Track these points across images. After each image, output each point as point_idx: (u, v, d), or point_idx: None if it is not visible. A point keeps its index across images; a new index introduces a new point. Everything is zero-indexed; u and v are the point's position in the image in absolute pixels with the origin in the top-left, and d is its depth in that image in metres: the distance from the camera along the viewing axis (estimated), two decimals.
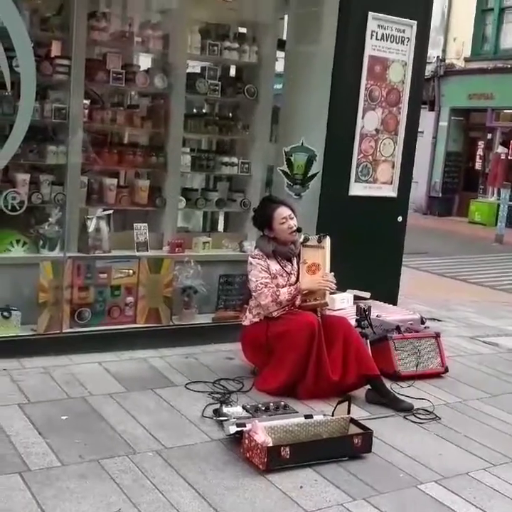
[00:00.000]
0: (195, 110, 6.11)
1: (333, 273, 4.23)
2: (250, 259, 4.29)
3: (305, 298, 4.22)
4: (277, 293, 4.16)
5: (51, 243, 4.64)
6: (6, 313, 4.38)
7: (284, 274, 4.29)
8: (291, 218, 4.28)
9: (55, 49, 5.08)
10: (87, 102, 5.04)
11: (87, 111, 4.98)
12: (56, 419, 3.50)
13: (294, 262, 4.37)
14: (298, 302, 4.23)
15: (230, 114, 5.98)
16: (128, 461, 3.14)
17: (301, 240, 4.37)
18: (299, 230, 4.31)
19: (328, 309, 4.35)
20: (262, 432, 3.22)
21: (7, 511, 2.65)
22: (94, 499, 2.79)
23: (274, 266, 4.28)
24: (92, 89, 5.13)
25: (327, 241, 4.30)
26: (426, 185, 19.30)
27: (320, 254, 4.28)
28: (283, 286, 4.22)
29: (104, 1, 5.37)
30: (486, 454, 3.61)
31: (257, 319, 4.26)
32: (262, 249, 4.30)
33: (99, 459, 3.12)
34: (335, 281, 4.22)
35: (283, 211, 4.28)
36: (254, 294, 4.22)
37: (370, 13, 5.21)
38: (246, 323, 4.32)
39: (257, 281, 4.19)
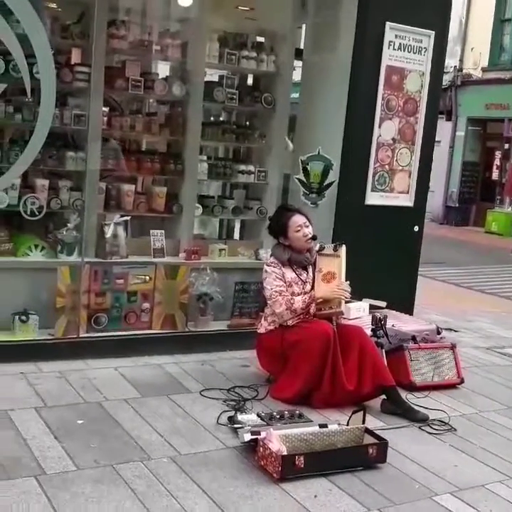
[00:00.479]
0: (212, 118, 6.14)
1: (348, 282, 4.22)
2: (265, 267, 4.30)
3: (320, 306, 4.21)
4: (292, 301, 4.16)
5: (69, 248, 4.67)
6: (23, 318, 4.42)
7: (299, 283, 4.29)
8: (306, 226, 4.29)
9: (75, 56, 5.14)
10: (106, 109, 5.09)
11: (105, 118, 5.03)
12: (72, 424, 3.52)
13: (310, 270, 4.37)
14: (313, 310, 4.23)
15: (247, 123, 6.01)
16: (142, 466, 3.15)
17: (316, 248, 4.37)
18: (314, 237, 4.31)
19: (344, 318, 4.34)
20: (277, 440, 3.22)
21: None
22: (108, 504, 2.80)
23: (290, 274, 4.28)
24: (111, 96, 5.17)
25: (343, 250, 4.30)
26: (443, 195, 19.24)
27: (336, 263, 4.28)
28: (298, 294, 4.22)
29: (124, 9, 5.42)
30: (502, 466, 3.58)
31: (272, 327, 4.26)
32: (278, 257, 4.30)
33: (114, 464, 3.13)
34: (350, 290, 4.21)
35: (298, 219, 4.29)
36: (269, 302, 4.22)
37: (387, 23, 5.21)
38: (261, 330, 4.33)
39: (272, 289, 4.19)
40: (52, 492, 2.84)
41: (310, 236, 4.29)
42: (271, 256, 4.39)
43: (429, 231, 7.01)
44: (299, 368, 4.05)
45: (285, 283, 4.23)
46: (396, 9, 5.24)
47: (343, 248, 4.31)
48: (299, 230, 4.26)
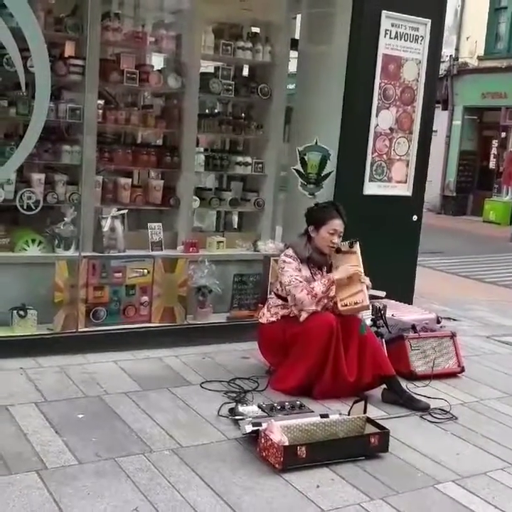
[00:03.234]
0: (208, 110, 6.11)
1: (368, 277, 4.17)
2: (283, 257, 4.23)
3: (345, 302, 4.13)
4: (311, 286, 4.10)
5: (66, 242, 4.66)
6: (22, 313, 4.41)
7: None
8: (339, 236, 4.21)
9: (69, 49, 5.11)
10: (101, 102, 5.06)
11: (101, 111, 5.00)
12: (72, 418, 3.51)
13: (324, 270, 4.30)
14: (340, 308, 4.13)
15: (244, 114, 5.98)
16: (144, 459, 3.14)
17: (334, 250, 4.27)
18: (337, 250, 4.22)
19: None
20: (278, 431, 3.21)
21: (25, 509, 2.66)
22: (111, 498, 2.79)
23: (305, 271, 4.22)
24: (105, 89, 5.14)
25: (358, 246, 4.23)
26: (440, 185, 19.22)
27: (353, 259, 4.22)
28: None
29: (118, 1, 5.39)
30: (503, 454, 3.58)
31: (274, 319, 4.23)
32: (298, 252, 4.21)
33: (116, 458, 3.12)
34: (370, 285, 4.16)
35: (338, 225, 4.20)
36: (288, 287, 4.11)
37: (383, 11, 5.18)
38: (263, 320, 4.29)
39: (291, 276, 4.12)
40: (54, 486, 2.83)
41: (336, 246, 4.21)
42: (289, 248, 4.29)
43: (426, 221, 6.99)
44: (301, 359, 4.04)
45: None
46: None
47: (358, 244, 4.24)
48: (332, 233, 4.18)
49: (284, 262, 4.20)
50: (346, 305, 4.13)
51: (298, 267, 4.18)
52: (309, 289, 4.08)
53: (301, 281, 4.11)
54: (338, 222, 4.21)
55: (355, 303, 4.12)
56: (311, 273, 4.24)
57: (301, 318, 4.11)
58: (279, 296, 4.25)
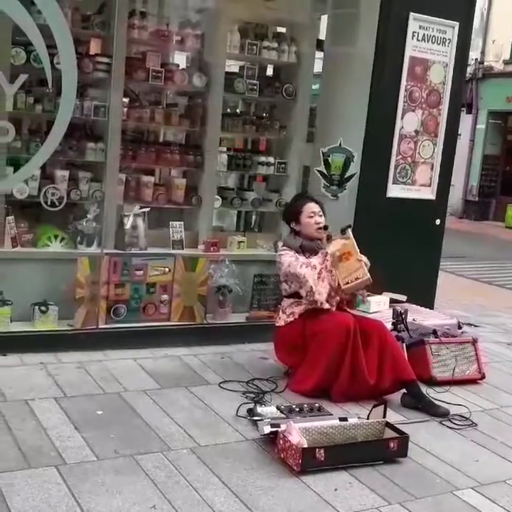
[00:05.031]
0: (231, 109, 6.11)
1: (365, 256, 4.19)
2: (279, 253, 4.33)
3: (346, 280, 4.17)
4: (308, 260, 4.17)
5: (89, 239, 4.68)
6: (43, 308, 4.44)
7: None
8: (320, 215, 4.30)
9: (95, 47, 5.13)
10: (125, 100, 5.08)
11: (125, 109, 5.01)
12: (91, 414, 3.53)
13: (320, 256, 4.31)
14: (343, 288, 4.17)
15: (267, 114, 5.97)
16: (162, 457, 3.15)
17: (325, 238, 4.33)
18: (325, 227, 4.30)
19: (363, 312, 4.30)
20: (297, 433, 3.20)
21: (44, 504, 2.67)
22: (129, 494, 2.80)
23: (302, 259, 4.25)
24: (129, 87, 5.16)
25: (350, 231, 4.27)
26: (462, 189, 19.06)
27: (348, 244, 4.24)
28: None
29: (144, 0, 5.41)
30: None
31: (291, 319, 4.22)
32: (290, 244, 4.32)
33: (134, 455, 3.13)
34: (369, 264, 4.17)
35: (312, 206, 4.33)
36: (288, 270, 4.18)
37: (411, 13, 5.16)
38: (280, 323, 4.29)
39: (289, 261, 4.19)
40: (73, 482, 2.84)
41: (321, 225, 4.28)
42: (282, 245, 4.41)
43: (448, 225, 6.92)
44: (318, 360, 4.03)
45: None
46: (420, 0, 5.17)
47: (350, 230, 4.28)
48: (311, 216, 4.28)
49: (281, 255, 4.28)
50: (348, 283, 4.18)
51: (294, 256, 4.24)
52: (307, 262, 4.16)
53: (297, 260, 4.18)
54: (311, 204, 4.34)
55: (356, 278, 4.15)
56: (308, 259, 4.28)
57: (319, 303, 4.11)
58: (289, 296, 4.26)
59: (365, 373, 3.98)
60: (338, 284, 4.21)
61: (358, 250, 4.19)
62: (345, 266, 4.21)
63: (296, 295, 4.24)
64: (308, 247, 4.31)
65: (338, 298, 4.29)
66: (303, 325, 4.15)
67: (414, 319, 4.77)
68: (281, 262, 4.24)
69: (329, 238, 4.30)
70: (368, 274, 4.14)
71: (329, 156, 5.33)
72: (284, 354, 4.33)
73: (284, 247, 4.34)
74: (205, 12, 5.40)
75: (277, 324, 4.32)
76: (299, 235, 4.33)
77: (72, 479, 2.86)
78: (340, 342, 3.97)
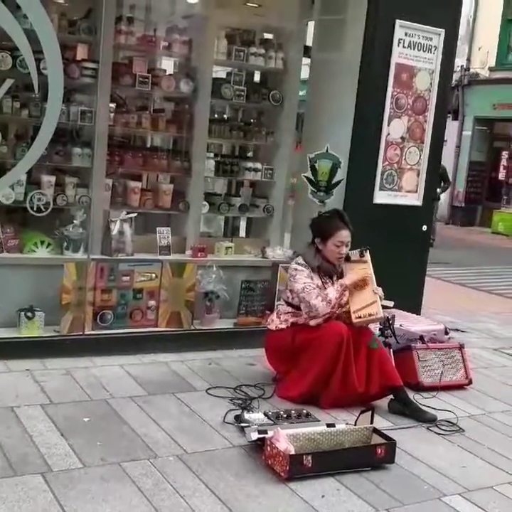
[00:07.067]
0: (216, 115, 6.11)
1: (380, 288, 4.14)
2: (295, 265, 4.19)
3: (359, 314, 4.08)
4: (325, 293, 4.08)
5: (75, 245, 4.66)
6: (29, 314, 4.40)
7: None
8: (347, 246, 4.19)
9: (82, 52, 5.12)
10: (112, 105, 5.07)
11: (112, 114, 5.00)
12: (78, 421, 3.50)
13: (334, 279, 4.25)
14: (354, 321, 4.08)
15: (255, 120, 5.98)
16: (149, 464, 3.13)
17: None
18: (347, 258, 4.21)
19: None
20: (284, 439, 3.19)
21: None
22: (115, 502, 2.78)
23: (316, 280, 4.18)
24: (116, 92, 5.15)
25: (368, 254, 4.21)
26: (449, 195, 19.15)
27: (365, 269, 4.18)
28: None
29: (131, 5, 5.40)
30: (510, 468, 3.55)
31: (283, 326, 4.20)
32: (308, 261, 4.19)
33: (121, 462, 3.11)
34: (383, 296, 4.13)
35: (344, 235, 4.16)
36: (301, 294, 4.07)
37: (397, 20, 5.18)
38: (272, 327, 4.26)
39: (304, 283, 4.09)
40: (59, 489, 2.82)
41: (344, 256, 4.19)
42: (298, 256, 4.27)
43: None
44: (309, 367, 4.02)
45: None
46: (406, 7, 5.21)
47: (368, 253, 4.22)
48: (339, 246, 4.15)
49: (296, 269, 4.17)
50: (360, 317, 4.08)
51: (310, 275, 4.16)
52: (324, 296, 4.07)
53: (314, 288, 4.09)
54: (344, 233, 4.16)
55: (370, 314, 4.07)
56: (322, 282, 4.21)
57: (313, 323, 4.08)
58: (289, 304, 4.23)
59: (355, 382, 3.97)
60: (345, 311, 4.14)
61: (374, 279, 4.11)
62: (360, 296, 4.12)
63: (295, 306, 4.19)
64: (325, 269, 4.22)
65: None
66: (293, 331, 4.13)
67: (401, 325, 4.79)
68: (296, 280, 4.12)
69: (348, 259, 4.22)
70: (382, 313, 4.07)
71: (316, 162, 5.34)
72: (273, 359, 4.31)
73: (301, 261, 4.19)
74: (192, 18, 5.41)
75: (269, 327, 4.29)
76: (319, 253, 4.22)
77: (58, 487, 2.84)
78: (332, 351, 3.95)
